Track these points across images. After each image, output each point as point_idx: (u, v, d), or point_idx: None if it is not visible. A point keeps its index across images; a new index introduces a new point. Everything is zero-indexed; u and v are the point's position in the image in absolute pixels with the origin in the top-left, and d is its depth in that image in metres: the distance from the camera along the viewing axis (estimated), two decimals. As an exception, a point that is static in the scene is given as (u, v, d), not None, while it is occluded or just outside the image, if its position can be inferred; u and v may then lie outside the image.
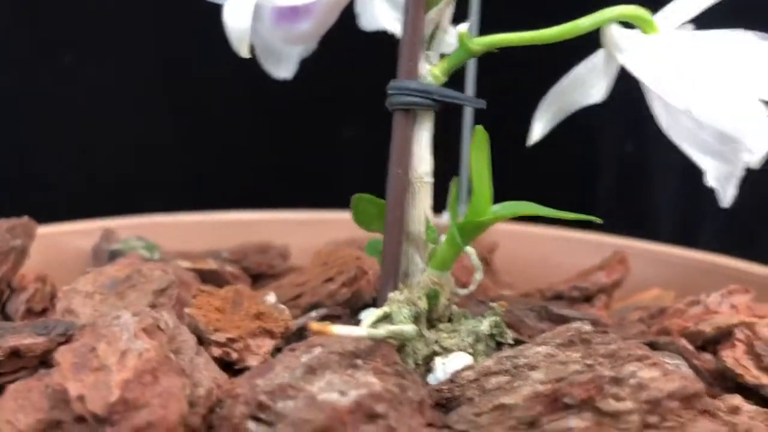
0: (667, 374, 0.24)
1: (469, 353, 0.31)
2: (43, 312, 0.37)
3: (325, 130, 0.68)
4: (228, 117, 0.67)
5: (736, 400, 0.29)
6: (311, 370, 0.25)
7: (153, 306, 0.34)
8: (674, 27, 0.30)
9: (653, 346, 0.35)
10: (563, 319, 0.35)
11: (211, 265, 0.41)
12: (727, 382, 0.33)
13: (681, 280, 0.48)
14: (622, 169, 0.66)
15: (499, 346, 0.32)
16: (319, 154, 0.68)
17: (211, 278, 0.41)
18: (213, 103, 0.66)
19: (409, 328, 0.28)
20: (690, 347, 0.35)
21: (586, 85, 0.34)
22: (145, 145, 0.65)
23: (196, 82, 0.65)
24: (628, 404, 0.24)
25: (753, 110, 0.27)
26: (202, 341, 0.30)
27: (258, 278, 0.44)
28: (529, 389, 0.26)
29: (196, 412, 0.26)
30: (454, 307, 0.33)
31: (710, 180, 0.33)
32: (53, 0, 0.62)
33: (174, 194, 0.60)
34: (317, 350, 0.26)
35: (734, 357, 0.33)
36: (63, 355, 0.26)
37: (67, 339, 0.29)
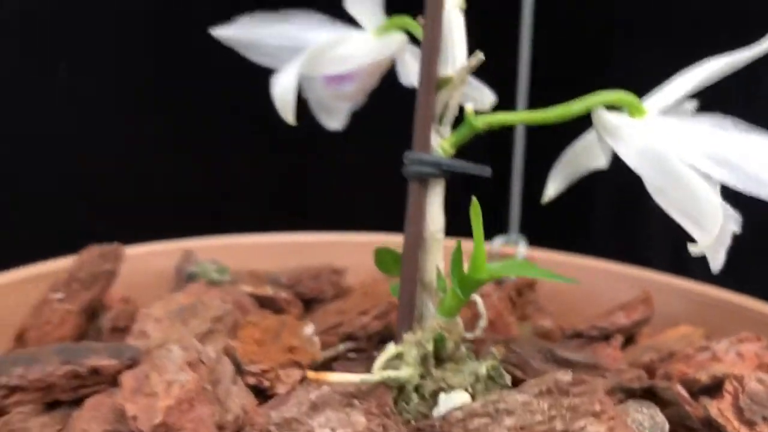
0: (612, 430, 0.28)
1: (469, 392, 0.35)
2: (126, 329, 0.44)
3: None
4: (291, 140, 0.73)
5: (704, 450, 0.32)
6: (315, 407, 0.30)
7: (210, 331, 0.40)
8: (663, 109, 0.33)
9: (650, 390, 0.39)
10: (567, 363, 0.39)
11: (267, 291, 0.47)
12: (712, 430, 0.36)
13: (713, 320, 0.50)
14: (619, 196, 0.69)
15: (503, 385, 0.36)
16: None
17: (267, 304, 0.47)
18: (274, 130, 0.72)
19: (403, 373, 0.32)
20: (685, 394, 0.38)
21: (594, 152, 0.38)
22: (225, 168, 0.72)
23: (253, 104, 0.70)
24: (573, 456, 0.28)
25: (708, 195, 0.30)
26: (240, 370, 0.36)
27: (310, 302, 0.49)
28: (498, 434, 0.30)
29: (225, 434, 0.31)
30: (463, 348, 0.37)
31: (701, 247, 0.35)
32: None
33: (246, 215, 0.67)
34: (325, 389, 0.31)
35: (719, 408, 0.35)
36: (126, 379, 0.33)
37: (133, 363, 0.36)
